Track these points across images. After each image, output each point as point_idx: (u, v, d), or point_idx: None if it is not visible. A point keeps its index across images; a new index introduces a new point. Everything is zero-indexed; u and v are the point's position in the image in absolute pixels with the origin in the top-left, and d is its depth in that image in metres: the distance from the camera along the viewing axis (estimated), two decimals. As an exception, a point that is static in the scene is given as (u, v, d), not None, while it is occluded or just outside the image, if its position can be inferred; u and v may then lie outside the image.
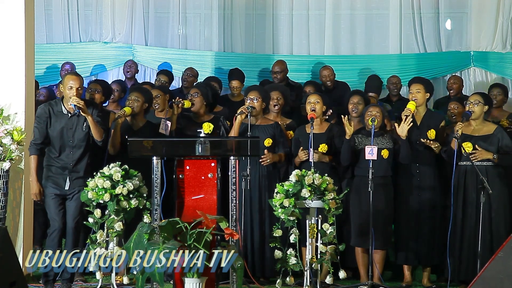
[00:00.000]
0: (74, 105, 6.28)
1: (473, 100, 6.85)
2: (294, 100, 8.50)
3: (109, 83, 8.15)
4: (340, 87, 8.91)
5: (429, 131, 6.95)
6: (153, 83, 8.73)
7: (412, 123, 6.78)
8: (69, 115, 6.39)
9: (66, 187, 6.37)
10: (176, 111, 7.05)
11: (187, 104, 7.10)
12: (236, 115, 6.95)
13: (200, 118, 7.24)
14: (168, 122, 6.99)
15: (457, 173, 6.78)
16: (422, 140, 6.84)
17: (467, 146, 6.68)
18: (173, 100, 7.09)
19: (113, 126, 6.83)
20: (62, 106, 6.40)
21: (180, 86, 8.97)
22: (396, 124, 6.89)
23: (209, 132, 6.73)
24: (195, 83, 8.42)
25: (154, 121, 7.25)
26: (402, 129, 6.76)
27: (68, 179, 6.37)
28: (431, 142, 6.84)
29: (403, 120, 6.79)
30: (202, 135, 5.88)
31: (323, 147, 6.96)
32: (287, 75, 9.05)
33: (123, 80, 9.35)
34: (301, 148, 6.95)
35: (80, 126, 6.40)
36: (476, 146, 6.69)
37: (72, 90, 6.32)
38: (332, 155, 7.03)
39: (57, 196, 6.37)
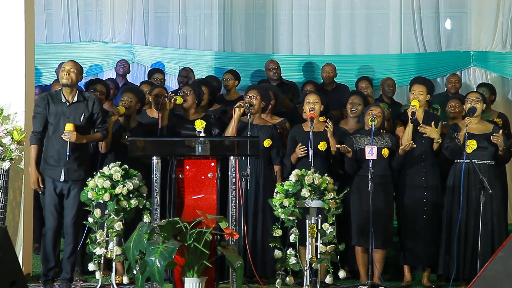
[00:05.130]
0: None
1: (474, 98, 6.86)
2: (291, 98, 8.50)
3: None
4: (340, 89, 8.91)
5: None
6: (151, 82, 8.71)
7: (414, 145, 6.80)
8: (68, 103, 6.34)
9: (61, 179, 6.31)
10: (168, 106, 7.02)
11: (179, 100, 7.09)
12: (235, 107, 6.93)
13: (191, 116, 7.22)
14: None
15: (454, 172, 6.80)
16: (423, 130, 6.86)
17: (472, 144, 6.69)
18: (166, 95, 7.08)
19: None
20: (62, 95, 6.36)
21: (178, 88, 8.96)
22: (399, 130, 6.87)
23: (202, 129, 6.73)
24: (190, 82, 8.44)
25: (145, 121, 7.26)
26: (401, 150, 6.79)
27: (62, 170, 6.31)
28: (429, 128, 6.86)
29: (408, 124, 6.79)
30: (202, 135, 5.90)
31: (323, 145, 6.95)
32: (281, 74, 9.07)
33: (115, 78, 9.38)
34: (300, 144, 6.91)
35: (78, 117, 6.34)
36: (500, 132, 6.68)
37: (63, 72, 6.29)
38: (330, 154, 7.01)
39: (54, 193, 6.35)
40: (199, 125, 6.80)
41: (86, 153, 6.47)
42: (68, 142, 6.22)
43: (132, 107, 7.08)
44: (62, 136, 6.23)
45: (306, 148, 6.85)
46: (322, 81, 9.06)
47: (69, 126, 6.23)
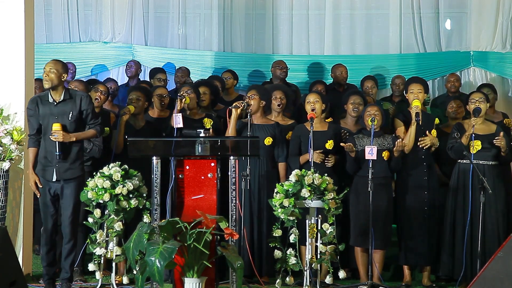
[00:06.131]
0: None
1: (478, 98, 6.86)
2: (294, 100, 8.49)
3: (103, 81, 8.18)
4: (351, 89, 8.89)
5: (432, 130, 6.95)
6: (151, 82, 8.71)
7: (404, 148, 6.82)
8: (55, 103, 6.29)
9: (53, 179, 6.26)
10: (179, 106, 7.01)
11: (187, 100, 7.09)
12: (230, 108, 6.92)
13: (195, 115, 7.21)
14: (179, 115, 6.91)
15: (457, 172, 6.79)
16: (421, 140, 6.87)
17: (476, 145, 6.68)
18: (178, 95, 7.08)
19: (117, 124, 6.84)
20: (49, 96, 6.31)
21: (175, 88, 8.96)
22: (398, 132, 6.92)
23: (210, 127, 6.74)
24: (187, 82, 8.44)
25: (151, 120, 7.26)
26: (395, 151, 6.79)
27: (54, 170, 6.26)
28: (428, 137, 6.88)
29: (412, 123, 6.79)
30: (202, 135, 5.90)
31: (331, 143, 6.95)
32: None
33: (124, 80, 9.37)
34: (319, 151, 6.88)
35: (66, 115, 6.27)
36: (501, 134, 6.67)
37: (44, 74, 6.25)
38: (336, 153, 7.01)
39: (49, 194, 6.32)
40: (208, 123, 6.81)
41: (79, 152, 6.36)
42: (56, 142, 6.21)
43: (141, 105, 7.10)
44: (50, 136, 6.22)
45: (323, 157, 6.86)
46: (332, 81, 9.05)
47: (55, 126, 6.20)
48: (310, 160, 6.74)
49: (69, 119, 6.27)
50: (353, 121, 7.31)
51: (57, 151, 6.20)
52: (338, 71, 8.97)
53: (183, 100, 6.97)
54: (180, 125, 6.77)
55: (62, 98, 6.29)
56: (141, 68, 9.56)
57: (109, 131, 7.09)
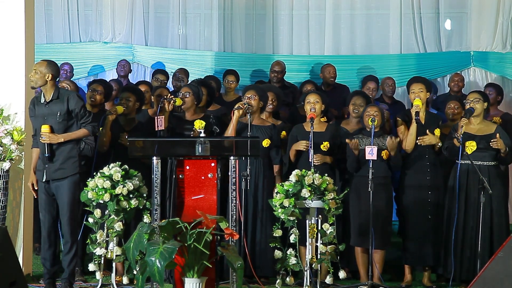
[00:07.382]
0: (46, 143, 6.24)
1: (473, 98, 6.84)
2: (292, 101, 8.49)
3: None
4: (339, 89, 8.90)
5: (435, 130, 6.94)
6: (150, 82, 8.70)
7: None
8: (45, 103, 6.29)
9: (43, 179, 6.27)
10: (168, 109, 7.00)
11: (178, 101, 7.06)
12: (234, 109, 6.92)
13: (190, 117, 7.17)
14: (161, 117, 6.91)
15: (459, 173, 6.78)
16: (423, 140, 6.84)
17: (471, 145, 6.68)
18: (165, 97, 7.06)
19: (102, 123, 6.82)
20: (42, 96, 6.31)
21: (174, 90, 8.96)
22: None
23: (201, 129, 6.73)
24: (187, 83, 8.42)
25: (146, 120, 7.24)
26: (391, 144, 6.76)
27: (44, 171, 6.26)
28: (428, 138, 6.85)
29: (413, 118, 6.78)
30: (202, 135, 5.90)
31: (326, 145, 6.95)
32: (284, 76, 9.06)
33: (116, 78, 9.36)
34: (305, 142, 6.86)
35: (55, 116, 6.26)
36: (497, 135, 6.64)
37: (31, 73, 6.29)
38: (332, 154, 7.01)
39: (46, 192, 6.32)
40: (198, 125, 6.80)
41: (71, 151, 6.32)
42: (45, 144, 6.21)
43: (131, 106, 7.07)
44: (39, 138, 6.25)
45: (307, 145, 6.83)
46: (321, 81, 9.05)
47: (44, 128, 6.21)
48: (310, 160, 6.74)
49: (57, 119, 6.27)
50: (355, 121, 7.30)
51: (46, 152, 6.22)
52: (326, 71, 8.98)
53: (171, 102, 6.96)
54: (162, 127, 6.77)
55: (50, 98, 6.29)
56: (131, 68, 9.58)
57: None
